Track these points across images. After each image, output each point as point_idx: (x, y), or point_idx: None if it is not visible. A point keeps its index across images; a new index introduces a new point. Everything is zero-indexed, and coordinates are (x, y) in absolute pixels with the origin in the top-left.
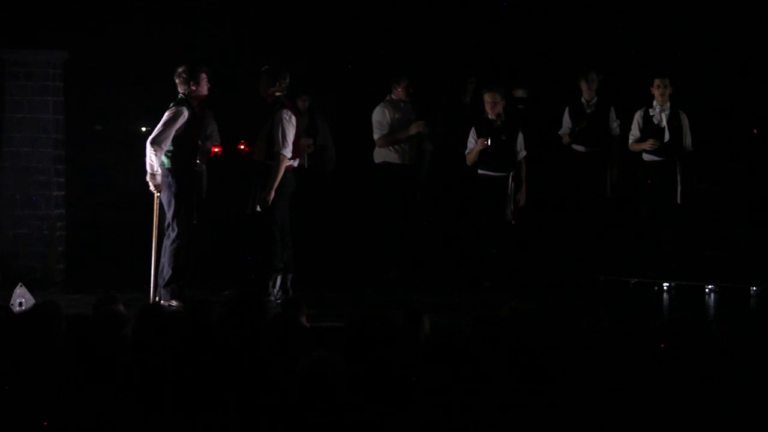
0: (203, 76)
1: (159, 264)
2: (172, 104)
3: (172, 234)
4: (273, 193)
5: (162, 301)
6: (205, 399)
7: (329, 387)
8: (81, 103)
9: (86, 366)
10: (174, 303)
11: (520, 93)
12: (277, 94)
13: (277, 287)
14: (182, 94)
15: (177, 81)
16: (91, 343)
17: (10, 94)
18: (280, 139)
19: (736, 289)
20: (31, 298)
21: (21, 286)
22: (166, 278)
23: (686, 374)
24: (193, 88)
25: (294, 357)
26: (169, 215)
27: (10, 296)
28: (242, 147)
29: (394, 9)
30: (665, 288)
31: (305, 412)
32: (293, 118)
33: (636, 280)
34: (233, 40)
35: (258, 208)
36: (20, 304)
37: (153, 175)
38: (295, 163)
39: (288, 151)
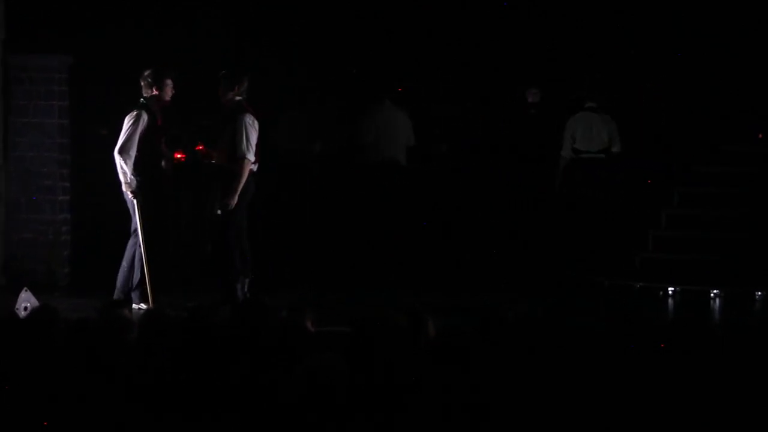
0: (168, 81)
1: (150, 268)
2: (133, 110)
3: (139, 238)
4: (236, 198)
5: (133, 305)
6: (208, 403)
7: (331, 391)
8: (86, 107)
9: (90, 370)
10: (144, 306)
11: (531, 98)
12: (237, 98)
13: (245, 290)
14: (144, 98)
15: (142, 84)
16: (95, 347)
17: (15, 99)
18: (244, 143)
19: (740, 293)
20: (37, 302)
21: (26, 290)
22: (136, 282)
23: (689, 378)
24: (156, 92)
25: (299, 362)
26: (135, 219)
27: (15, 300)
28: (200, 148)
29: (394, 9)
30: (670, 292)
31: (307, 416)
32: (256, 123)
33: (641, 284)
34: (236, 43)
35: (219, 212)
36: (25, 309)
37: (128, 183)
38: (255, 168)
39: (252, 155)
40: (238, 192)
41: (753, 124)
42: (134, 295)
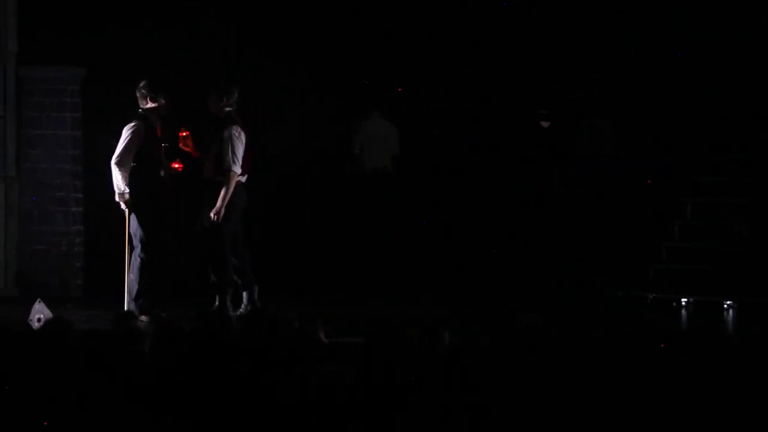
0: (162, 93)
1: (139, 278)
2: (131, 120)
3: (137, 249)
4: (223, 210)
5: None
6: (220, 414)
7: (341, 401)
8: (99, 119)
9: (103, 381)
10: (144, 318)
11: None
12: (227, 109)
13: (245, 301)
14: (141, 109)
15: (137, 95)
16: (107, 358)
17: (28, 111)
18: (230, 156)
19: (754, 304)
20: (50, 313)
21: (39, 301)
22: (134, 294)
23: (701, 387)
24: (152, 104)
25: (311, 372)
26: (133, 231)
27: (29, 312)
28: (175, 166)
29: (394, 9)
30: (683, 303)
31: (319, 427)
32: (242, 135)
33: (654, 295)
34: (242, 49)
35: (206, 225)
36: (39, 320)
37: (122, 194)
38: (244, 179)
39: (237, 168)
40: (225, 204)
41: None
42: (135, 305)
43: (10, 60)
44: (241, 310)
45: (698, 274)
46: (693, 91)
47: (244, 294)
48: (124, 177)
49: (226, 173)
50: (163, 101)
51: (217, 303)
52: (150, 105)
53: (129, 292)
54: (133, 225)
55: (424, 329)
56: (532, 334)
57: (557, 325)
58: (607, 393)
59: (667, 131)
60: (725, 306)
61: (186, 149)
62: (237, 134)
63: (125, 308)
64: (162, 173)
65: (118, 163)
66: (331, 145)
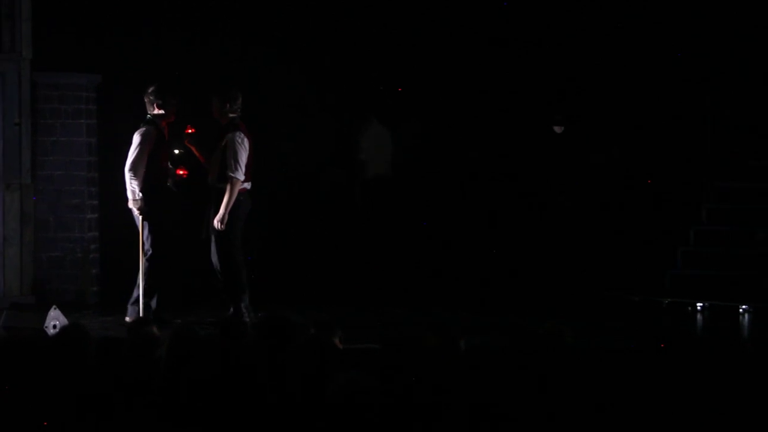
0: (170, 99)
1: (146, 284)
2: (141, 126)
3: (146, 255)
4: (227, 217)
5: (127, 318)
6: (236, 421)
7: (362, 410)
8: (114, 125)
9: (118, 388)
10: (129, 320)
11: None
12: (231, 115)
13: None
14: (149, 114)
15: (145, 101)
16: (123, 365)
17: (43, 118)
18: (233, 163)
19: None
20: (66, 320)
21: (55, 308)
22: (134, 297)
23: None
24: (161, 111)
25: (328, 379)
26: (145, 237)
27: (44, 319)
28: (180, 172)
29: (396, 12)
30: (698, 308)
31: None
32: (246, 141)
33: (669, 300)
34: (269, 63)
35: (212, 232)
36: (54, 327)
37: (136, 201)
38: (248, 186)
39: (240, 174)
40: (228, 211)
41: None
42: (131, 309)
43: (25, 66)
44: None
45: (714, 279)
46: (711, 95)
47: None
48: (137, 183)
49: (228, 180)
50: (170, 107)
51: (231, 309)
52: (158, 111)
53: (132, 297)
54: (144, 231)
55: (442, 335)
56: (555, 340)
57: (577, 331)
58: (626, 396)
59: (684, 136)
60: (741, 310)
61: (191, 147)
62: (240, 140)
63: (140, 314)
64: (168, 180)
65: (131, 169)
66: (337, 151)
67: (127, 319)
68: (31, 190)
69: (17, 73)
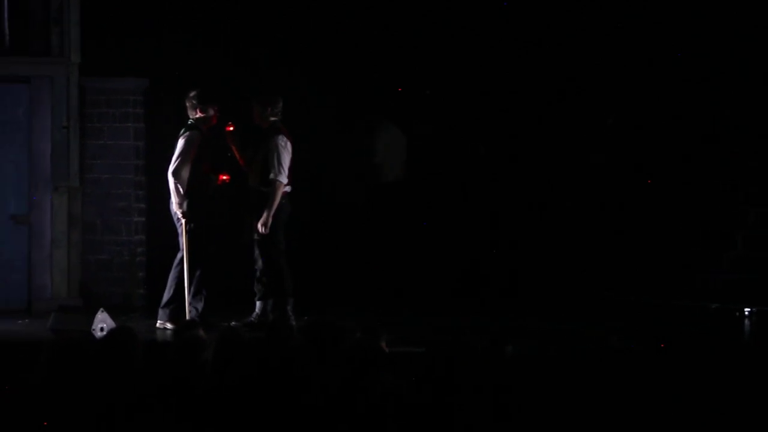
0: (211, 103)
1: (191, 288)
2: (183, 131)
3: (183, 259)
4: (270, 221)
5: (158, 322)
6: (282, 424)
7: (404, 412)
8: (161, 129)
9: (165, 391)
10: (169, 325)
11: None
12: (272, 119)
13: (257, 311)
14: (192, 119)
15: (187, 105)
16: (170, 367)
17: (91, 122)
18: (276, 166)
19: None
20: (113, 323)
21: (102, 311)
22: (165, 300)
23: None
24: (202, 114)
25: (374, 382)
26: (180, 241)
27: (92, 321)
28: (224, 177)
29: (400, 14)
30: (746, 313)
31: None
32: (289, 144)
33: (716, 305)
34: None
35: (255, 236)
36: (101, 329)
37: (180, 204)
38: (290, 189)
39: (284, 177)
40: (272, 215)
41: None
42: (162, 312)
43: (73, 71)
44: (251, 318)
45: (762, 284)
46: (757, 97)
47: (258, 303)
48: (181, 187)
49: (272, 183)
50: (212, 111)
51: (256, 310)
52: (199, 115)
53: (188, 299)
54: (186, 235)
55: (489, 340)
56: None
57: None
58: (672, 401)
59: (730, 140)
60: (746, 313)
61: (231, 146)
62: (283, 144)
63: (187, 317)
64: (209, 185)
65: (174, 173)
66: (338, 152)
67: (159, 323)
68: (79, 193)
69: (66, 78)
